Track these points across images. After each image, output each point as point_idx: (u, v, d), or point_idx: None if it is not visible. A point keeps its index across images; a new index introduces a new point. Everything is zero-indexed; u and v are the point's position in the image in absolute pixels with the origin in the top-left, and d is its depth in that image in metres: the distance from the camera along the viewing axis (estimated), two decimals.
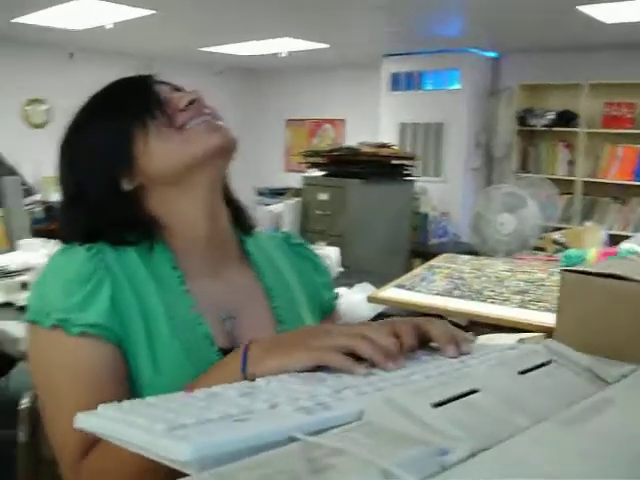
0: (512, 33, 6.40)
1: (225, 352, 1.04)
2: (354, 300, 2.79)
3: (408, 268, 4.71)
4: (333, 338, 0.79)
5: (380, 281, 2.84)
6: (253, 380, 0.70)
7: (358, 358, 0.75)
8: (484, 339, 2.12)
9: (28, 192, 7.16)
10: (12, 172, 7.16)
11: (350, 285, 3.10)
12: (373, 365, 0.74)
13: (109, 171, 1.09)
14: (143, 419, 0.55)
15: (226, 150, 1.10)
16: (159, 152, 1.06)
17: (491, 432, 0.51)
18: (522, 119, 7.12)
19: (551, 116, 6.93)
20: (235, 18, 6.11)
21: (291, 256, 1.30)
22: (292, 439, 0.51)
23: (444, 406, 0.55)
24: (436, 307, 2.37)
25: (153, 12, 5.84)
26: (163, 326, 1.03)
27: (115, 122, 1.09)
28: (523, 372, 0.66)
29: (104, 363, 0.98)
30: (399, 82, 7.80)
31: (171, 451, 0.49)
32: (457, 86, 7.37)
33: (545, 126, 6.97)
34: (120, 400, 0.93)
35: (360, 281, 3.13)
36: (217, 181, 1.13)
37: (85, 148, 1.13)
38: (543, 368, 0.69)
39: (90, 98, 1.18)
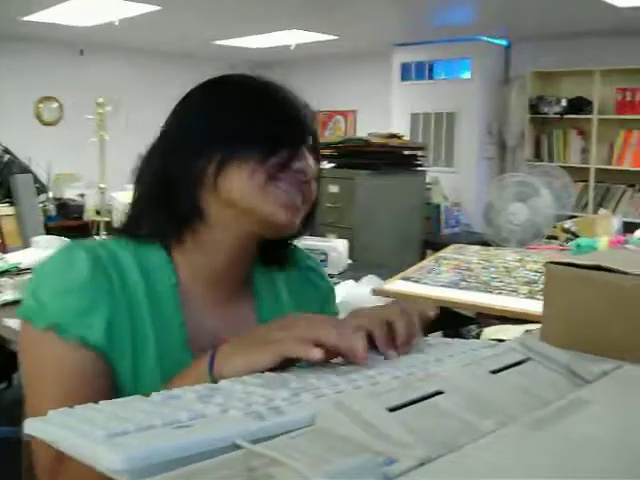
0: (523, 20, 6.33)
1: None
2: (360, 293, 2.76)
3: (421, 260, 4.68)
4: (295, 329, 0.78)
5: (392, 273, 2.80)
6: (216, 382, 0.68)
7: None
8: (491, 331, 2.09)
9: (41, 189, 7.19)
10: (25, 170, 7.19)
11: (358, 278, 3.07)
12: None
13: (204, 145, 1.04)
14: (85, 425, 0.53)
15: (280, 230, 1.06)
16: (240, 178, 1.01)
17: (448, 438, 0.48)
18: (534, 107, 7.04)
19: (564, 103, 6.86)
20: (243, 11, 6.09)
21: (298, 282, 1.25)
22: (236, 446, 0.48)
23: (401, 410, 0.52)
24: (442, 299, 2.34)
25: (158, 7, 5.83)
26: (150, 352, 1.00)
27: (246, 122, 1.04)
28: (495, 371, 0.63)
29: (90, 372, 0.96)
30: (410, 72, 7.75)
31: (105, 459, 0.47)
32: (468, 75, 7.31)
33: (558, 113, 6.89)
34: None
35: (369, 274, 3.10)
36: (258, 240, 1.11)
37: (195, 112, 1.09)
38: (518, 367, 0.66)
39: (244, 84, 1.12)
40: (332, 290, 1.34)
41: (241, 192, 1.01)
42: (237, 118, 1.04)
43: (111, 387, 0.98)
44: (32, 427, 0.58)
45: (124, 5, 5.74)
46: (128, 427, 0.51)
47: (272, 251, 1.17)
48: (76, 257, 0.99)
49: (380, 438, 0.47)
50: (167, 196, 1.05)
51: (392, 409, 0.52)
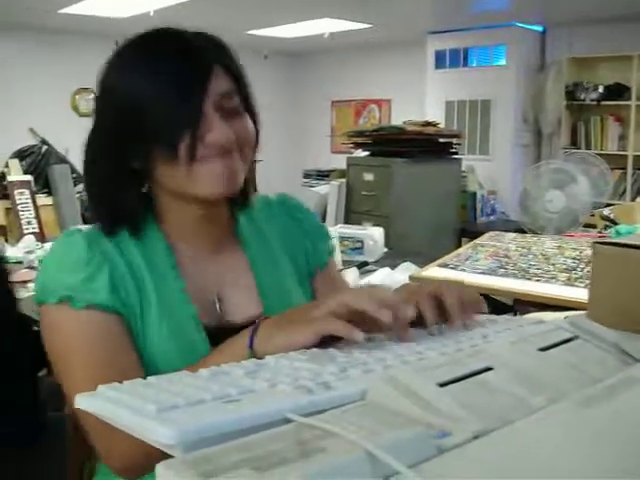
0: (558, 5, 6.23)
1: (210, 331, 1.08)
2: (397, 280, 2.75)
3: (456, 248, 4.65)
4: (330, 302, 0.77)
5: (427, 261, 2.80)
6: (261, 358, 0.68)
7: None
8: (529, 318, 2.07)
9: (78, 180, 7.28)
10: (62, 160, 7.28)
11: (394, 266, 3.06)
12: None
13: (122, 145, 1.05)
14: (136, 399, 0.53)
15: (222, 198, 1.07)
16: (164, 168, 1.03)
17: (500, 413, 0.48)
18: (571, 94, 6.95)
19: (601, 90, 6.76)
20: (276, 0, 6.08)
21: (284, 222, 1.28)
22: (287, 420, 0.48)
23: (451, 385, 0.52)
24: (480, 286, 2.33)
25: None
26: (154, 309, 1.05)
27: (148, 99, 1.01)
28: (544, 349, 0.63)
29: (110, 332, 1.02)
30: (444, 60, 7.68)
31: (156, 433, 0.47)
32: (503, 62, 7.23)
33: (595, 100, 6.80)
34: (132, 365, 0.99)
35: (405, 261, 3.09)
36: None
37: (107, 111, 1.08)
38: (566, 344, 0.65)
39: (134, 44, 1.08)
40: (320, 225, 1.36)
41: (170, 182, 1.05)
42: (137, 116, 1.02)
43: (131, 341, 1.03)
44: (83, 402, 0.59)
45: None
46: (178, 401, 0.51)
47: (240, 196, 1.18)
48: (73, 239, 1.06)
49: (432, 412, 0.47)
50: (112, 195, 1.09)
51: (442, 384, 0.52)
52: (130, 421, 0.51)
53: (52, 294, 1.01)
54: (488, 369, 0.56)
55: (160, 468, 0.42)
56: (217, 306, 1.13)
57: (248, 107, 1.10)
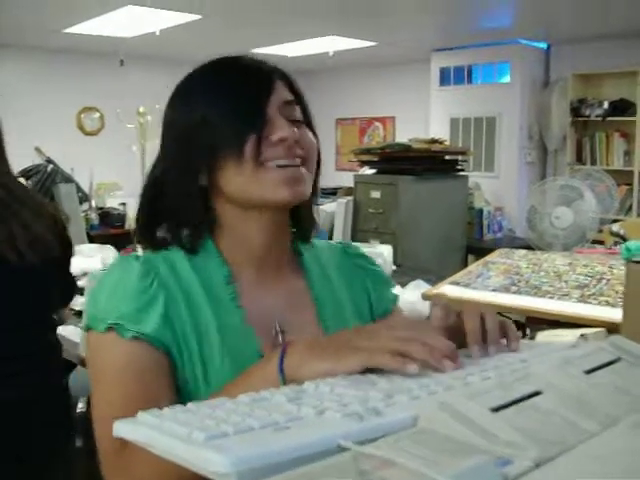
0: (562, 22, 6.26)
1: None
2: (408, 299, 2.74)
3: (464, 265, 4.65)
4: (383, 340, 0.76)
5: (435, 279, 2.79)
6: (286, 383, 0.67)
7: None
8: (545, 335, 2.06)
9: (83, 199, 7.29)
10: (67, 179, 7.29)
11: (404, 284, 3.05)
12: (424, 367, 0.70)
13: (189, 159, 1.06)
14: (181, 427, 0.52)
15: (289, 204, 1.07)
16: (231, 176, 1.03)
17: (557, 439, 0.47)
18: (576, 110, 6.96)
19: (606, 106, 6.77)
20: (280, 18, 6.10)
21: (346, 266, 1.26)
22: (341, 448, 0.47)
23: (504, 410, 0.51)
24: (492, 303, 2.32)
25: (199, 17, 5.87)
26: (214, 339, 1.02)
27: (212, 110, 1.04)
28: (589, 371, 0.62)
29: (153, 366, 0.98)
30: (449, 77, 7.71)
31: (209, 462, 0.46)
32: (508, 79, 7.25)
33: (600, 116, 6.80)
34: (164, 402, 0.92)
35: (414, 279, 3.09)
36: (285, 211, 1.12)
37: (174, 128, 1.10)
38: (611, 367, 0.64)
39: (203, 73, 1.11)
40: (384, 273, 1.34)
41: (237, 189, 1.04)
42: (205, 122, 1.04)
43: (171, 383, 1.00)
44: (122, 428, 0.58)
45: (165, 15, 5.78)
46: (227, 429, 0.51)
47: (302, 220, 1.19)
48: (128, 265, 1.04)
49: (488, 438, 0.46)
50: (177, 210, 1.09)
51: (495, 409, 0.51)
52: (178, 449, 0.50)
53: (101, 322, 0.99)
54: (537, 393, 0.55)
55: None
56: (280, 338, 1.09)
57: (308, 121, 1.12)
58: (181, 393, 1.00)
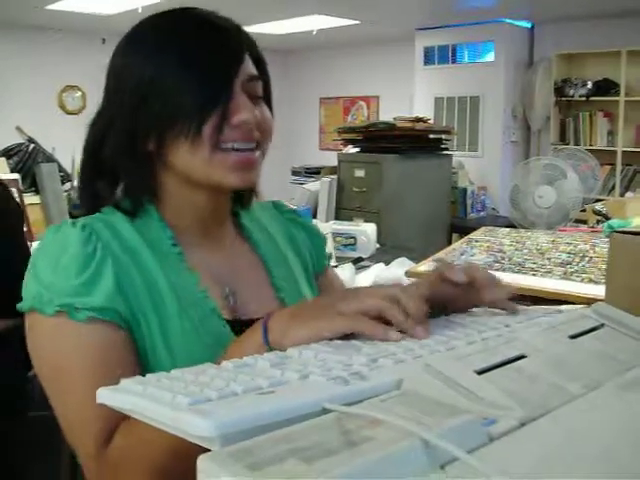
0: (547, 1, 6.24)
1: (231, 324, 1.01)
2: (392, 276, 2.75)
3: (448, 244, 4.65)
4: (361, 301, 0.75)
5: (419, 257, 2.79)
6: (282, 351, 0.67)
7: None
8: (541, 308, 2.07)
9: (65, 178, 7.23)
10: (49, 159, 7.23)
11: (388, 262, 3.05)
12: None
13: (137, 121, 0.99)
14: (166, 392, 0.52)
15: (238, 188, 1.05)
16: (181, 153, 0.97)
17: (541, 400, 0.47)
18: (559, 90, 6.97)
19: (589, 86, 6.77)
20: None
21: (282, 222, 1.26)
22: (325, 410, 0.47)
23: (489, 372, 0.51)
24: None
25: None
26: (170, 302, 0.97)
27: (167, 71, 0.96)
28: (574, 337, 0.62)
29: (113, 347, 0.92)
30: (433, 56, 7.69)
31: (193, 426, 0.46)
32: (492, 58, 7.24)
33: (583, 96, 6.81)
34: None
35: (398, 257, 3.09)
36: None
37: (123, 79, 1.01)
38: (595, 332, 0.64)
39: (157, 19, 1.04)
40: (317, 228, 1.34)
41: (189, 166, 0.98)
42: (159, 93, 0.97)
43: (135, 359, 0.94)
44: (105, 396, 0.57)
45: None
46: (210, 394, 0.50)
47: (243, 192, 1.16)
48: (66, 232, 0.96)
49: (473, 400, 0.46)
50: (116, 171, 1.03)
51: (480, 372, 0.51)
52: (161, 414, 0.49)
53: (48, 304, 0.91)
54: (521, 357, 0.55)
55: (202, 462, 0.41)
56: (230, 300, 1.07)
57: (267, 98, 1.07)
58: (142, 365, 0.95)
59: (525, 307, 0.83)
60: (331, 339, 0.72)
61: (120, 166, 1.02)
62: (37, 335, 0.95)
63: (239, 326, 0.95)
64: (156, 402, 0.51)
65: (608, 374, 0.54)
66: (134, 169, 1.02)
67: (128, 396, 0.55)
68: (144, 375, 0.90)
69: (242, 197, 1.17)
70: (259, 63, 1.06)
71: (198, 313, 0.99)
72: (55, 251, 0.94)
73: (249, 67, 1.02)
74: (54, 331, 0.92)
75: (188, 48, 0.98)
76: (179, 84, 0.95)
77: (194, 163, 0.98)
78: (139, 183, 1.03)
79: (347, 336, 0.71)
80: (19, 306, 0.95)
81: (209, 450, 0.44)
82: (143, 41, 1.02)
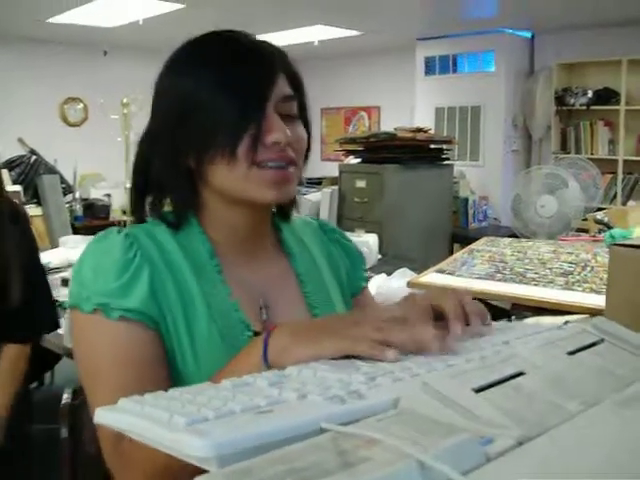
0: (547, 11, 6.25)
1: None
2: (394, 287, 2.75)
3: (449, 253, 4.66)
4: (365, 329, 0.75)
5: (421, 267, 2.79)
6: (280, 369, 0.67)
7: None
8: (529, 322, 2.07)
9: (67, 190, 7.25)
10: (51, 170, 7.25)
11: (389, 272, 3.05)
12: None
13: (178, 139, 1.04)
14: (163, 412, 0.52)
15: (275, 204, 1.10)
16: (218, 170, 1.02)
17: (539, 418, 0.47)
18: (560, 99, 6.97)
19: (590, 95, 6.78)
20: (266, 7, 6.08)
21: (324, 242, 1.29)
22: (323, 430, 0.47)
23: (486, 391, 0.51)
24: (478, 291, 2.32)
25: (182, 6, 5.84)
26: (201, 312, 1.02)
27: (209, 95, 1.01)
28: (572, 352, 0.62)
29: (143, 346, 0.98)
30: (434, 66, 7.70)
31: (190, 446, 0.45)
32: (492, 68, 7.25)
33: (584, 105, 6.82)
34: (161, 383, 0.93)
35: (400, 268, 3.09)
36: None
37: (166, 99, 1.07)
38: (593, 348, 0.64)
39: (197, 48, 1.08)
40: (358, 250, 1.36)
41: (225, 184, 1.03)
42: (198, 119, 1.01)
43: (164, 358, 1.00)
44: (103, 416, 0.57)
45: (149, 4, 5.75)
46: (207, 413, 0.50)
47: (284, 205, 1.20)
48: (110, 239, 1.03)
49: (471, 419, 0.46)
50: (162, 185, 1.09)
51: (477, 390, 0.51)
52: (158, 435, 0.49)
53: (86, 301, 0.98)
54: (520, 374, 0.55)
55: None
56: (264, 313, 1.10)
57: (303, 116, 1.10)
58: (171, 364, 1.00)
59: (525, 323, 0.83)
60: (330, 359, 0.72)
61: (165, 182, 1.08)
62: (77, 329, 1.03)
63: None
64: (153, 422, 0.51)
65: (606, 391, 0.54)
66: (178, 185, 1.08)
67: (125, 416, 0.55)
68: (173, 375, 0.98)
69: (283, 209, 1.21)
70: (295, 81, 1.10)
71: (226, 322, 1.04)
72: (98, 255, 1.02)
73: (283, 87, 1.05)
74: (90, 326, 0.99)
75: (223, 71, 1.02)
76: (214, 106, 1.00)
77: (231, 180, 1.02)
78: (182, 198, 1.08)
79: (347, 355, 0.72)
80: (64, 303, 1.02)
81: (206, 471, 0.44)
82: (182, 64, 1.08)
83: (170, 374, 1.00)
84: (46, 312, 2.20)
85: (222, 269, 1.08)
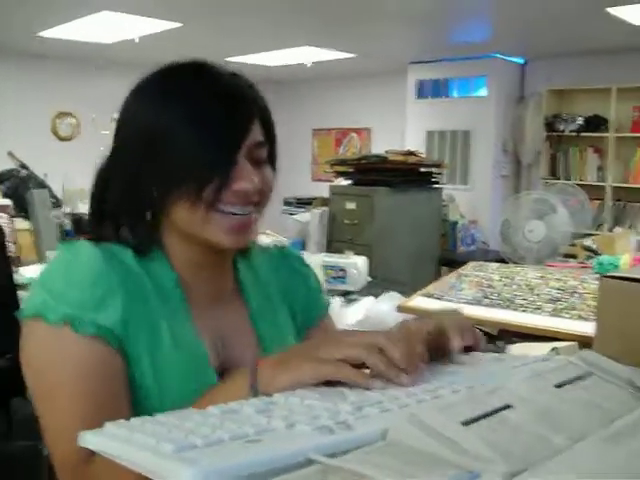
0: (539, 38, 6.33)
1: (217, 372, 1.03)
2: (382, 310, 2.74)
3: (437, 277, 4.66)
4: (342, 349, 0.75)
5: (409, 290, 2.79)
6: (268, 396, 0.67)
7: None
8: (517, 348, 2.07)
9: (56, 204, 7.22)
10: (41, 185, 7.22)
11: (377, 294, 3.05)
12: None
13: (140, 172, 1.00)
14: (149, 438, 0.51)
15: (232, 249, 1.07)
16: (179, 210, 0.99)
17: (526, 453, 0.47)
18: (550, 125, 7.03)
19: (580, 121, 6.85)
20: (260, 28, 6.11)
21: (281, 274, 1.25)
22: (310, 461, 0.47)
23: (475, 424, 0.51)
24: (466, 316, 2.32)
25: (179, 24, 5.86)
26: (166, 339, 0.99)
27: (176, 129, 0.97)
28: (559, 385, 0.62)
29: (109, 366, 0.93)
30: (425, 89, 7.76)
31: (177, 474, 0.45)
32: (484, 93, 7.31)
33: (574, 131, 6.88)
34: (121, 407, 0.92)
35: (388, 290, 3.08)
36: None
37: (131, 128, 1.03)
38: (581, 381, 0.64)
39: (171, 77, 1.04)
40: (317, 279, 1.33)
41: (186, 223, 1.00)
42: (165, 155, 0.98)
43: (127, 385, 0.95)
44: (89, 440, 0.57)
45: (145, 22, 5.77)
46: (196, 441, 0.50)
47: None
48: (85, 250, 0.97)
49: (458, 452, 0.46)
50: (119, 214, 1.04)
51: (465, 422, 0.51)
52: (145, 461, 0.49)
53: (52, 311, 0.91)
54: (507, 407, 0.55)
55: None
56: (219, 349, 1.08)
57: (271, 158, 1.08)
58: (134, 389, 0.96)
59: (513, 354, 0.83)
60: (315, 386, 0.72)
61: (124, 212, 1.04)
62: (34, 342, 0.95)
63: (224, 374, 0.98)
64: (140, 448, 0.51)
65: (593, 425, 0.54)
66: (137, 217, 1.03)
67: (111, 440, 0.54)
68: (132, 400, 0.94)
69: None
70: (267, 126, 1.07)
71: (191, 355, 1.01)
72: (72, 264, 0.96)
73: (256, 134, 1.03)
74: (53, 339, 0.92)
75: (196, 109, 0.99)
76: (185, 146, 0.97)
77: (192, 220, 0.99)
78: (141, 232, 1.04)
79: (331, 381, 0.71)
80: (21, 312, 0.96)
81: None
82: (153, 93, 1.04)
83: (131, 398, 0.96)
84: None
85: (185, 299, 1.05)
